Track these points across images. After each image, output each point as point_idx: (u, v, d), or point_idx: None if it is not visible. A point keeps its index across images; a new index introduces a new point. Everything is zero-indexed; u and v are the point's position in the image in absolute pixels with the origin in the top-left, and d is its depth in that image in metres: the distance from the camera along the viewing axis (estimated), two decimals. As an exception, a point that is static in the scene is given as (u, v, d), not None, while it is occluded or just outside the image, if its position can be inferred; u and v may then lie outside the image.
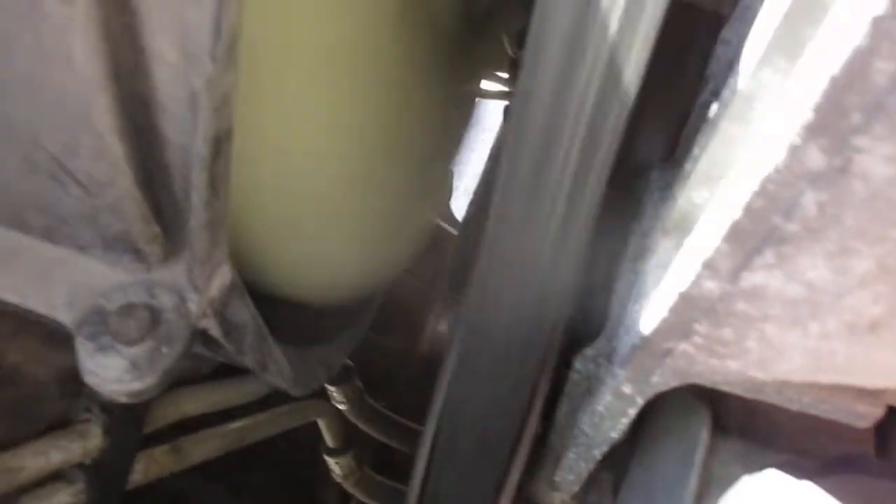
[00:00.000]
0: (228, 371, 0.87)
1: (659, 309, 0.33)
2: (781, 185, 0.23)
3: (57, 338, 0.61)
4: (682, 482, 0.43)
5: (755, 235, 0.25)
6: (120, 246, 0.44)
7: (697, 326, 0.32)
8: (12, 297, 0.44)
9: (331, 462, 1.12)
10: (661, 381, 0.38)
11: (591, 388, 0.56)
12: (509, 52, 1.39)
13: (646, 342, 0.35)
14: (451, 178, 1.39)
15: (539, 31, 0.37)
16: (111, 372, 0.41)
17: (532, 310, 0.46)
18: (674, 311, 0.32)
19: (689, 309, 0.31)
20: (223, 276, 0.46)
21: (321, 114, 0.60)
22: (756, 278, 0.27)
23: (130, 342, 0.42)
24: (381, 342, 1.64)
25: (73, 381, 0.66)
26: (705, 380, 0.37)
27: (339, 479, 1.15)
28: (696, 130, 0.58)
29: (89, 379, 0.41)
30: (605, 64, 0.38)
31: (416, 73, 0.72)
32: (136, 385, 0.41)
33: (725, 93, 0.33)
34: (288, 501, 1.60)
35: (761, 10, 0.30)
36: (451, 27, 0.80)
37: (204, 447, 0.79)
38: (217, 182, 0.37)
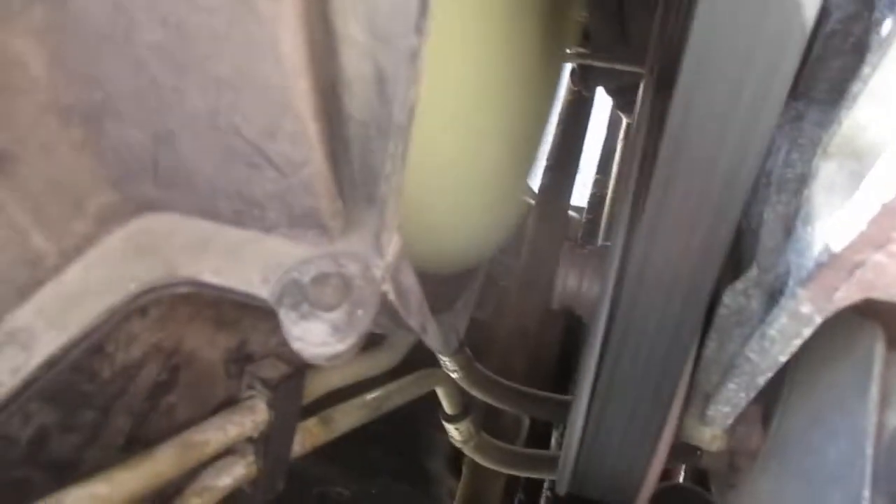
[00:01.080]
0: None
1: (852, 223, 0.35)
2: None
3: (224, 321, 0.66)
4: (860, 396, 0.44)
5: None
6: (305, 222, 0.47)
7: (895, 234, 0.34)
8: (212, 279, 0.48)
9: (450, 428, 1.16)
10: (845, 296, 0.39)
11: (741, 320, 0.58)
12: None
13: (834, 258, 0.37)
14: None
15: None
16: (316, 336, 0.45)
17: (702, 246, 0.48)
18: (873, 223, 0.33)
19: (890, 219, 0.33)
20: (396, 242, 0.49)
21: (454, 99, 0.63)
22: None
23: (329, 308, 0.45)
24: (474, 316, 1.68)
25: (236, 362, 0.71)
26: (892, 291, 0.38)
27: (458, 444, 1.20)
28: (824, 63, 0.59)
29: (296, 345, 0.45)
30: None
31: (524, 54, 0.75)
32: (339, 346, 0.45)
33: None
34: (398, 474, 1.66)
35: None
36: (542, 4, 0.82)
37: (349, 417, 0.83)
38: (406, 149, 0.40)
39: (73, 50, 0.40)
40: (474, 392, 1.19)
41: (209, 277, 0.48)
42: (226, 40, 0.38)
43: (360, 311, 0.45)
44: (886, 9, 0.49)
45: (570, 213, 2.00)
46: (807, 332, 0.44)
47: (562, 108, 1.87)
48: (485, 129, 0.74)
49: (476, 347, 1.66)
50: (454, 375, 1.16)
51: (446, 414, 1.14)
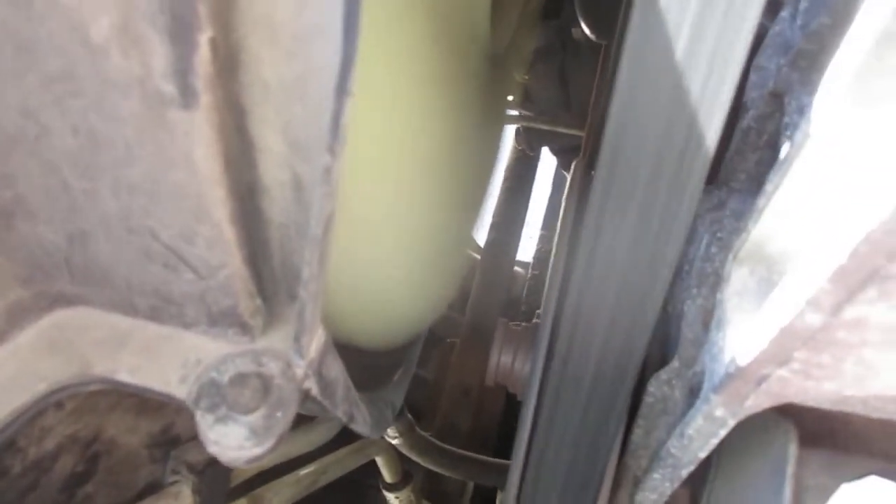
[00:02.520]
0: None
1: (756, 340, 0.36)
2: (886, 233, 0.26)
3: (147, 407, 0.64)
4: (775, 495, 0.45)
5: (859, 276, 0.28)
6: (225, 321, 0.46)
7: (796, 354, 0.34)
8: (129, 378, 0.47)
9: (391, 497, 1.14)
10: (755, 404, 0.40)
11: (665, 409, 0.59)
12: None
13: (741, 371, 0.38)
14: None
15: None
16: (232, 440, 0.44)
17: (626, 333, 0.49)
18: (774, 342, 0.34)
19: (789, 340, 0.34)
20: (319, 336, 0.49)
21: (383, 169, 0.63)
22: (858, 311, 0.30)
23: (247, 411, 0.44)
24: (418, 374, 1.67)
25: (160, 447, 0.68)
26: (798, 400, 0.39)
27: (399, 513, 1.17)
28: (742, 156, 0.61)
29: (212, 449, 0.44)
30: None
31: (461, 118, 0.76)
32: (257, 450, 0.44)
33: (798, 134, 0.36)
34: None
35: (837, 53, 0.33)
36: (481, 69, 0.83)
37: (281, 496, 0.81)
38: (325, 257, 0.40)
39: (-19, 153, 0.39)
40: (415, 458, 1.18)
41: (125, 377, 0.47)
42: (138, 148, 0.38)
43: (279, 413, 0.45)
44: (795, 114, 0.51)
45: (516, 268, 2.02)
46: (722, 432, 0.45)
47: (507, 167, 1.90)
48: (420, 196, 0.74)
49: (418, 405, 1.64)
50: (394, 441, 1.14)
51: (386, 482, 1.12)
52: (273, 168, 0.40)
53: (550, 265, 1.88)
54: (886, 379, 0.34)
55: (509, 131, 1.84)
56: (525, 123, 1.66)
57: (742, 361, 0.37)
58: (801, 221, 0.40)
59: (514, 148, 1.88)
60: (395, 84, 0.61)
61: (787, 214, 0.40)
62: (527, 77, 1.58)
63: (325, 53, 0.35)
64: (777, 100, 0.55)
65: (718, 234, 0.56)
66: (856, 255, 0.27)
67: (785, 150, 0.38)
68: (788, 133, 0.52)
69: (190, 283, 0.44)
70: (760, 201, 0.40)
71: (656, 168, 0.41)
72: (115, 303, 0.48)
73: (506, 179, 1.91)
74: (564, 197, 1.87)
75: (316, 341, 0.48)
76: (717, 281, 0.54)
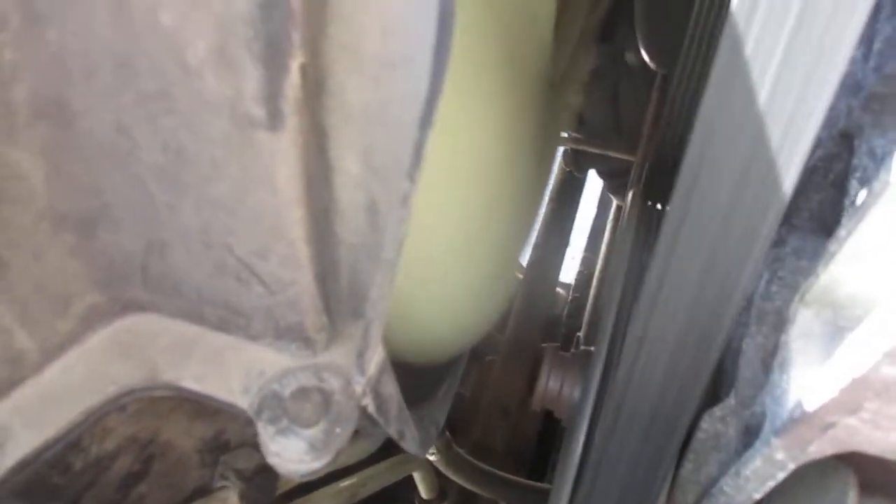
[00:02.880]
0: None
1: (826, 387, 0.36)
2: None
3: (202, 412, 0.65)
4: (832, 542, 0.44)
5: (943, 331, 0.28)
6: (290, 335, 0.48)
7: (867, 404, 0.34)
8: (193, 385, 0.48)
9: (426, 513, 1.15)
10: (818, 450, 0.40)
11: (717, 445, 0.58)
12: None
13: (807, 416, 0.38)
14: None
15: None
16: (292, 453, 0.45)
17: (688, 369, 0.49)
18: (845, 391, 0.34)
19: (861, 390, 0.33)
20: (379, 353, 0.50)
21: (446, 187, 0.64)
22: (937, 365, 0.30)
23: (307, 425, 0.45)
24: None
25: (210, 451, 0.70)
26: (864, 449, 0.39)
27: (433, 530, 1.18)
28: (806, 195, 0.60)
29: (273, 460, 0.45)
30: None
31: (520, 140, 0.77)
32: (315, 464, 0.45)
33: (876, 182, 0.36)
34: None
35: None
36: (542, 91, 0.84)
37: (322, 506, 0.82)
38: (393, 279, 0.41)
39: (74, 164, 0.41)
40: (452, 475, 1.18)
41: (190, 384, 0.48)
42: (224, 167, 0.39)
43: (338, 429, 0.46)
44: (866, 156, 0.51)
45: (558, 289, 2.01)
46: (781, 475, 0.44)
47: (553, 187, 1.90)
48: (477, 215, 0.75)
49: (455, 422, 1.64)
50: (431, 458, 1.15)
51: (422, 498, 1.13)
52: (350, 190, 0.41)
53: (596, 289, 1.87)
54: (959, 434, 0.34)
55: (559, 152, 1.84)
56: (575, 145, 1.66)
57: (809, 407, 0.37)
58: (875, 268, 0.39)
59: (562, 168, 1.88)
60: (464, 106, 0.62)
61: (860, 260, 0.39)
62: (582, 100, 1.58)
63: (409, 83, 0.36)
64: (846, 140, 0.54)
65: (779, 273, 0.56)
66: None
67: (860, 195, 0.38)
68: (858, 175, 0.51)
69: (260, 298, 0.45)
70: (832, 245, 0.40)
71: (730, 210, 0.41)
72: (185, 311, 0.49)
73: (551, 200, 1.91)
74: (612, 224, 1.86)
75: (375, 358, 0.49)
76: (776, 320, 0.53)
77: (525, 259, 1.85)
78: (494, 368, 1.67)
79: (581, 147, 1.66)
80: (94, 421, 0.49)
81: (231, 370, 0.48)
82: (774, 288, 0.55)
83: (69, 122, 0.39)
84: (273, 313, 0.46)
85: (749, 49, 0.36)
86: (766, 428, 0.43)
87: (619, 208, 1.99)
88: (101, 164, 0.41)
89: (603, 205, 2.16)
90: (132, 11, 0.35)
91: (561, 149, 1.78)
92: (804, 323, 0.44)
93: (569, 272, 2.13)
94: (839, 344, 0.42)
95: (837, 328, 0.43)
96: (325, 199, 0.41)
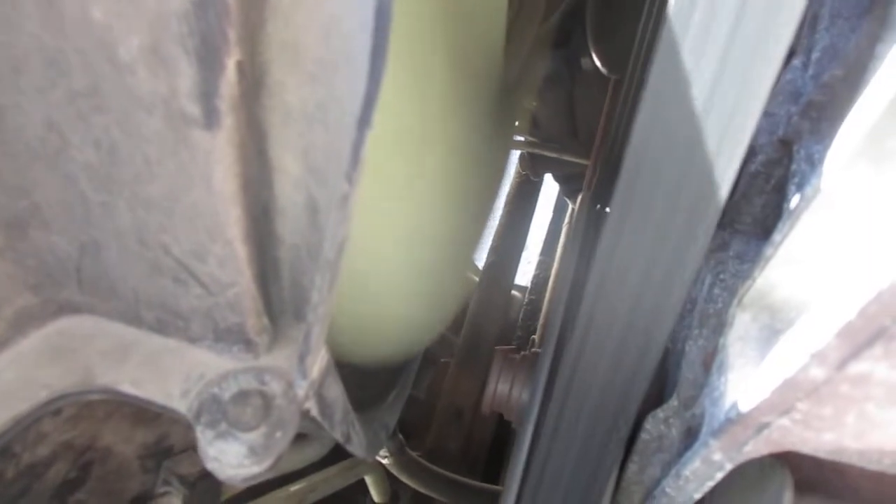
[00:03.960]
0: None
1: (759, 389, 0.36)
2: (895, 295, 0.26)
3: (143, 417, 0.64)
4: (769, 541, 0.45)
5: (865, 333, 0.28)
6: (231, 337, 0.47)
7: (799, 405, 0.35)
8: (130, 389, 0.47)
9: (378, 517, 1.14)
10: (753, 450, 0.40)
11: (661, 447, 0.59)
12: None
13: (742, 417, 0.38)
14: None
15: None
16: (231, 458, 0.44)
17: (629, 370, 0.49)
18: (777, 392, 0.35)
19: (792, 391, 0.34)
20: (322, 357, 0.49)
21: (396, 186, 0.63)
22: (862, 367, 0.30)
23: (247, 428, 0.44)
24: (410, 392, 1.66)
25: (152, 457, 0.68)
26: (797, 448, 0.39)
27: (385, 534, 1.17)
28: (748, 200, 0.61)
29: (211, 465, 0.44)
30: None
31: (471, 142, 0.77)
32: (255, 469, 0.44)
33: (809, 187, 0.37)
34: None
35: (851, 110, 0.34)
36: (493, 95, 0.84)
37: (270, 512, 0.81)
38: (335, 281, 0.41)
39: (3, 162, 0.39)
40: (404, 479, 1.17)
41: (127, 388, 0.47)
42: (158, 166, 0.38)
43: (278, 433, 0.45)
44: (804, 162, 0.52)
45: (514, 292, 2.02)
46: (719, 475, 0.45)
47: (509, 191, 1.91)
48: (426, 217, 0.75)
49: (409, 426, 1.64)
50: (384, 461, 1.14)
51: (374, 502, 1.12)
52: (290, 190, 0.40)
53: (549, 293, 1.88)
54: (886, 433, 0.35)
55: (514, 156, 1.85)
56: (530, 149, 1.67)
57: (743, 408, 0.38)
58: (808, 272, 0.40)
59: (518, 172, 1.89)
60: (412, 107, 0.62)
61: (794, 264, 0.40)
62: (535, 104, 1.59)
63: (349, 83, 0.35)
64: (786, 147, 0.56)
65: (721, 276, 0.57)
66: (864, 313, 0.28)
67: (794, 200, 0.38)
68: (796, 180, 0.52)
69: (198, 299, 0.44)
70: (768, 250, 0.40)
71: (669, 212, 0.42)
72: (122, 313, 0.48)
73: (507, 203, 1.92)
74: (568, 228, 1.88)
75: (319, 362, 0.49)
76: (718, 322, 0.54)
77: (481, 262, 1.85)
78: (449, 371, 1.67)
79: (537, 151, 1.67)
80: (26, 427, 0.48)
81: (170, 373, 0.47)
82: (717, 291, 0.56)
83: (-3, 118, 0.38)
84: (213, 315, 0.45)
85: (685, 53, 0.36)
86: (705, 429, 0.44)
87: (573, 211, 2.01)
88: (30, 162, 0.39)
89: (559, 209, 2.18)
90: (62, 7, 0.34)
91: (517, 153, 1.79)
92: (741, 326, 0.44)
93: (525, 275, 2.14)
94: (775, 345, 0.43)
95: (773, 331, 0.43)
96: (264, 198, 0.41)
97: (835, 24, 0.54)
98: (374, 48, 0.32)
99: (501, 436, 1.64)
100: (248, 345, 0.47)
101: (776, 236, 0.40)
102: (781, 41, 0.36)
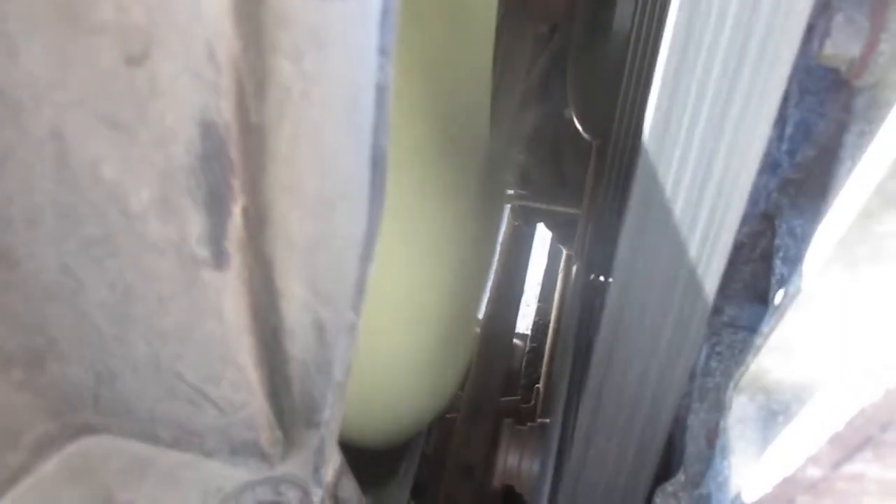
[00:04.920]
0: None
1: (761, 483, 0.38)
2: (879, 408, 0.28)
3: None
4: None
5: (855, 440, 0.30)
6: (246, 451, 0.48)
7: (799, 498, 0.36)
8: (150, 507, 0.48)
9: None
10: (761, 534, 0.42)
11: (672, 519, 0.60)
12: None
13: (747, 507, 0.40)
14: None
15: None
16: (253, 571, 0.45)
17: (637, 447, 0.51)
18: (777, 487, 0.36)
19: (791, 487, 0.35)
20: (335, 461, 0.50)
21: (394, 263, 0.65)
22: (856, 468, 0.32)
23: (267, 541, 0.45)
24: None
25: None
26: (802, 532, 0.41)
27: None
28: (736, 268, 0.63)
29: (232, 580, 0.45)
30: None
31: (463, 212, 0.79)
32: (277, 580, 0.45)
33: (791, 287, 0.38)
34: None
35: (824, 220, 0.36)
36: (482, 162, 0.87)
37: None
38: (344, 397, 0.42)
39: (19, 304, 0.41)
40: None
41: (146, 505, 0.48)
42: (171, 302, 0.40)
43: (298, 543, 0.46)
44: (787, 236, 0.54)
45: (515, 340, 2.03)
46: (728, 555, 0.46)
47: (503, 241, 1.93)
48: (423, 290, 0.76)
49: (419, 484, 1.63)
50: (398, 529, 1.14)
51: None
52: (297, 312, 0.42)
53: (552, 339, 1.88)
54: (885, 520, 0.36)
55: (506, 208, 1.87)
56: (521, 202, 1.70)
57: (748, 499, 0.39)
58: (797, 358, 0.42)
59: (511, 223, 1.92)
60: (409, 182, 0.64)
61: (782, 353, 0.42)
62: (523, 156, 1.62)
63: (349, 218, 0.37)
64: (768, 220, 0.58)
65: (717, 348, 0.58)
66: (851, 424, 0.29)
67: (779, 296, 0.40)
68: (780, 255, 0.54)
69: (213, 419, 0.46)
70: (758, 340, 0.42)
71: (668, 289, 0.44)
72: (138, 432, 0.49)
73: (502, 254, 1.94)
74: (563, 276, 1.88)
75: (332, 463, 0.50)
76: (717, 397, 0.56)
77: (481, 313, 1.86)
78: (456, 427, 1.67)
79: (527, 204, 1.69)
80: (49, 549, 0.49)
81: (188, 489, 0.48)
82: (713, 364, 0.57)
83: (13, 266, 0.39)
84: (227, 432, 0.47)
85: (672, 130, 0.39)
86: (711, 513, 0.45)
87: (568, 257, 2.03)
88: (46, 302, 0.41)
89: (553, 254, 2.20)
90: (74, 166, 0.36)
91: (508, 206, 1.82)
92: (739, 409, 0.46)
93: (525, 318, 2.15)
94: (773, 427, 0.44)
95: (770, 412, 0.45)
96: (273, 322, 0.43)
97: (804, 99, 0.56)
98: (372, 188, 0.34)
99: (514, 492, 1.63)
100: (263, 457, 0.48)
101: (765, 328, 0.42)
102: (765, 117, 0.38)
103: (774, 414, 0.45)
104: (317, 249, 0.39)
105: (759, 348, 0.42)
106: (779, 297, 0.40)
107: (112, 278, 0.39)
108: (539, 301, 2.12)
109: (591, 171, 1.11)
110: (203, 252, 0.37)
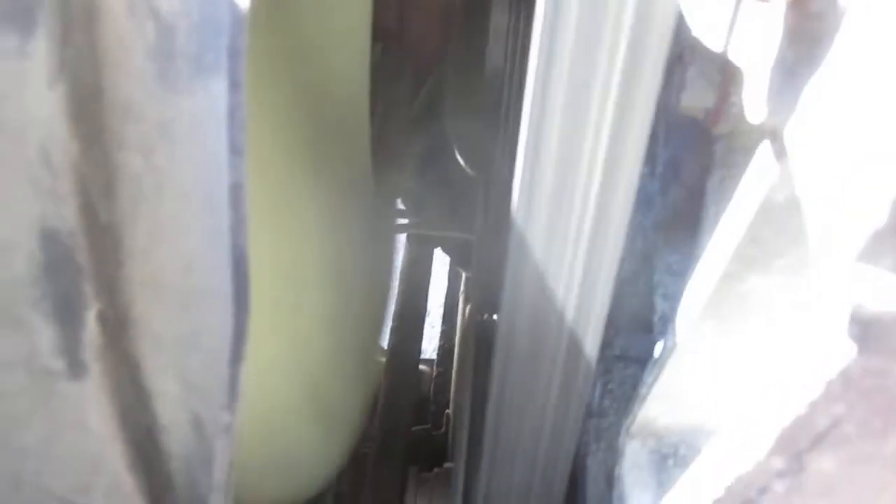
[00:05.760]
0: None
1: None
2: (754, 476, 0.29)
3: None
4: None
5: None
6: (130, 556, 0.45)
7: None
8: None
9: None
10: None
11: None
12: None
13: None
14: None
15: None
16: None
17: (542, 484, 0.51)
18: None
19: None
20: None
21: (277, 322, 0.63)
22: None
23: None
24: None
25: None
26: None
27: None
28: (621, 302, 0.65)
29: None
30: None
31: (351, 254, 0.78)
32: None
33: (668, 340, 0.39)
34: None
35: (693, 277, 0.37)
36: (366, 198, 0.86)
37: None
38: (230, 495, 0.40)
39: None
40: None
41: None
42: (28, 418, 0.37)
43: None
44: (665, 273, 0.56)
45: (421, 367, 2.02)
46: None
47: (402, 269, 1.92)
48: (317, 345, 0.75)
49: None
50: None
51: None
52: (171, 409, 0.40)
53: (457, 364, 1.89)
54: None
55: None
56: (414, 231, 1.69)
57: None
58: (681, 404, 0.43)
59: (408, 250, 1.91)
60: (280, 237, 0.62)
61: (666, 400, 0.43)
62: (412, 184, 1.62)
63: (217, 313, 0.35)
64: (646, 258, 0.59)
65: (609, 386, 0.59)
66: (730, 491, 0.30)
67: (658, 347, 0.41)
68: (661, 292, 0.56)
69: (89, 529, 0.42)
70: (642, 390, 0.43)
71: (556, 328, 0.44)
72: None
73: (402, 282, 1.93)
74: (463, 298, 1.88)
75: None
76: (612, 437, 0.56)
77: (384, 342, 1.85)
78: (369, 462, 1.64)
79: (421, 231, 1.69)
80: None
81: None
82: (606, 402, 0.58)
83: None
84: (106, 540, 0.44)
85: (543, 169, 0.39)
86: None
87: (468, 279, 2.04)
88: None
89: (453, 278, 2.21)
90: None
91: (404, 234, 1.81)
92: (632, 455, 0.47)
93: (430, 340, 2.15)
94: (664, 470, 0.45)
95: (661, 455, 0.46)
96: (145, 421, 0.40)
97: (671, 138, 0.58)
98: (236, 291, 0.32)
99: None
100: (150, 561, 0.45)
101: (647, 378, 0.42)
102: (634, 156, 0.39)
103: (665, 457, 0.46)
104: (186, 346, 0.37)
105: (643, 397, 0.43)
106: (658, 348, 0.41)
107: (-44, 399, 0.36)
108: (443, 324, 2.13)
109: (480, 206, 1.12)
110: (57, 365, 0.34)
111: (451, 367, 1.99)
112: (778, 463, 0.27)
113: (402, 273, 1.93)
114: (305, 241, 0.70)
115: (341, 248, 0.79)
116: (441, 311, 2.22)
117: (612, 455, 0.56)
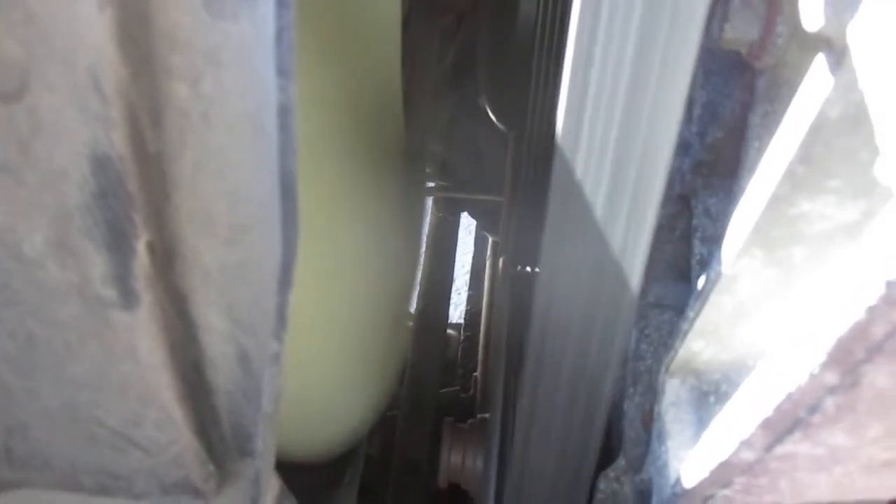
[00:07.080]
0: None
1: (699, 467, 0.38)
2: (805, 393, 0.28)
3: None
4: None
5: (784, 424, 0.31)
6: (178, 489, 0.46)
7: (736, 479, 0.37)
8: (79, 561, 0.46)
9: None
10: (702, 517, 0.42)
11: (616, 503, 0.61)
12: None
13: (687, 492, 0.40)
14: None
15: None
16: None
17: (579, 437, 0.51)
18: (714, 471, 0.37)
19: (728, 470, 0.36)
20: (273, 488, 0.49)
21: (314, 271, 0.64)
22: (786, 448, 0.33)
23: (208, 581, 0.44)
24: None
25: None
26: (743, 510, 0.42)
27: None
28: (657, 248, 0.64)
29: None
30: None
31: (384, 215, 0.78)
32: None
33: (711, 271, 0.39)
34: None
35: (739, 205, 0.36)
36: (399, 160, 0.86)
37: None
38: (276, 428, 0.41)
39: (-89, 365, 0.38)
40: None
41: (75, 559, 0.46)
42: (80, 348, 0.37)
43: (241, 578, 0.44)
44: (703, 216, 0.55)
45: (449, 331, 2.03)
46: (672, 538, 0.47)
47: (429, 234, 1.92)
48: (351, 302, 0.75)
49: (366, 485, 1.62)
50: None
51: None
52: (218, 343, 0.40)
53: (485, 326, 1.89)
54: (820, 491, 0.37)
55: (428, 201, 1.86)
56: (442, 194, 1.69)
57: (687, 484, 0.40)
58: (723, 340, 0.43)
59: (435, 214, 1.91)
60: (320, 192, 0.63)
61: (708, 335, 0.43)
62: (441, 147, 1.62)
63: (265, 244, 0.36)
64: (684, 201, 0.59)
65: (646, 331, 0.59)
66: (780, 409, 0.30)
67: (700, 281, 0.41)
68: (699, 234, 0.55)
69: (139, 461, 0.43)
70: (683, 325, 0.43)
71: (596, 275, 0.44)
72: (60, 482, 0.46)
73: (429, 247, 1.93)
74: (491, 262, 1.89)
75: (271, 493, 0.48)
76: (649, 380, 0.56)
77: (412, 307, 1.86)
78: (398, 424, 1.66)
79: (449, 194, 1.69)
80: None
81: (119, 536, 0.46)
82: (643, 347, 0.58)
83: None
84: (156, 472, 0.45)
85: (587, 119, 0.38)
86: (655, 499, 0.46)
87: (495, 243, 2.04)
88: (-58, 359, 0.38)
89: (480, 240, 2.21)
90: (-44, 214, 0.33)
91: (431, 198, 1.81)
92: (672, 392, 0.46)
93: (456, 306, 2.16)
94: (705, 407, 0.45)
95: (702, 393, 0.46)
96: (193, 354, 0.41)
97: (709, 81, 0.57)
98: (284, 215, 0.33)
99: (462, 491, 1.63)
100: (197, 493, 0.46)
101: (689, 312, 0.42)
102: (677, 100, 0.39)
103: (706, 395, 0.45)
104: (233, 279, 0.37)
105: (685, 332, 0.43)
106: (701, 281, 0.41)
107: (12, 328, 0.37)
108: (470, 289, 2.13)
109: (510, 163, 1.11)
110: (109, 293, 0.35)
111: (479, 332, 2.00)
112: (831, 378, 0.27)
113: (429, 238, 1.94)
114: (345, 205, 0.70)
115: (377, 201, 0.79)
116: (467, 276, 2.23)
117: (649, 398, 0.56)
